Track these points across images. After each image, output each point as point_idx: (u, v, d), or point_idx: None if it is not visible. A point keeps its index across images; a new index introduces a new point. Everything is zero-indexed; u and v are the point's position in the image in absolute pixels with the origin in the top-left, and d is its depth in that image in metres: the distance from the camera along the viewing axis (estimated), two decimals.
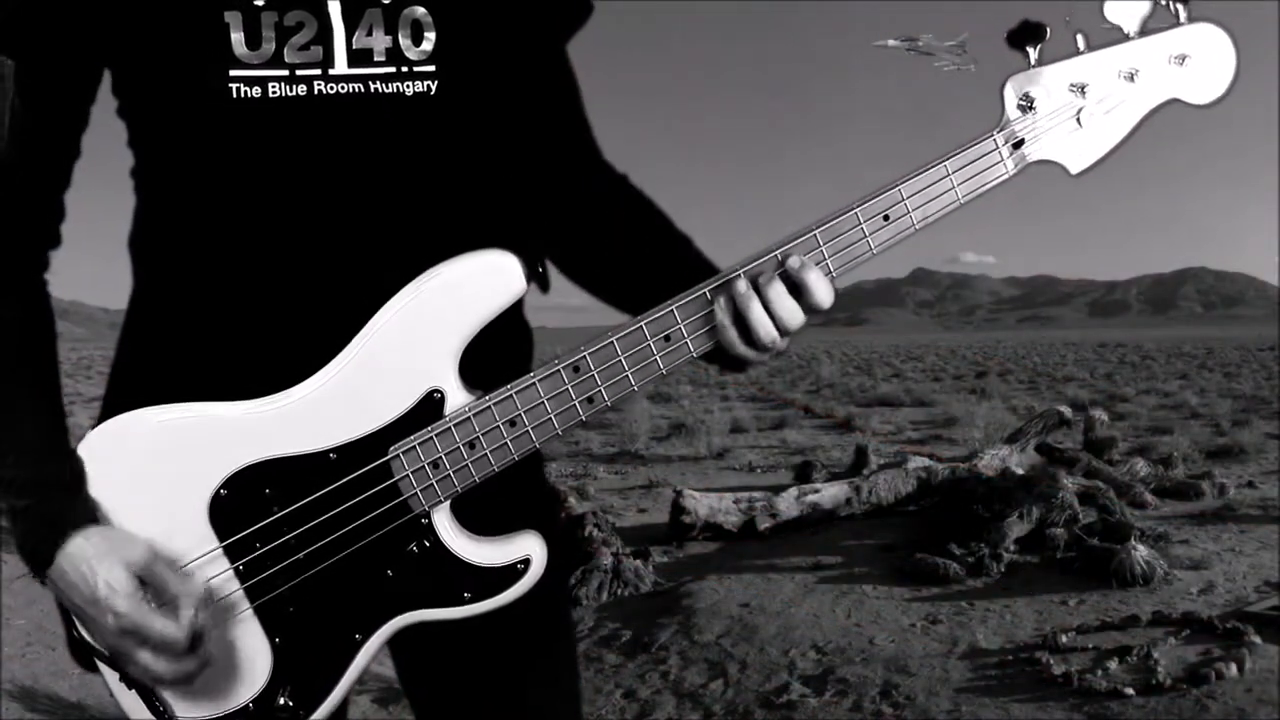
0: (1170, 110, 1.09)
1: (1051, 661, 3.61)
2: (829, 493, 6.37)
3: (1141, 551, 4.66)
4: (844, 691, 3.56)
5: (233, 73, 1.04)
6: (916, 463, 6.68)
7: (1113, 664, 3.56)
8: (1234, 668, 3.42)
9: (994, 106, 1.08)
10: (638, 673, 3.95)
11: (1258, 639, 3.69)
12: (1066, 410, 7.85)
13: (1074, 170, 1.08)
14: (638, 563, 5.18)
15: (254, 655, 1.10)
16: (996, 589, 4.66)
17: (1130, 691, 3.31)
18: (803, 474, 7.92)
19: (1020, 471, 6.30)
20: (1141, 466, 7.20)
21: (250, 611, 1.10)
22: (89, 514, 1.06)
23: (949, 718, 3.30)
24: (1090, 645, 3.78)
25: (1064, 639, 3.83)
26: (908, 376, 26.05)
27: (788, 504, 6.18)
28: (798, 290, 1.06)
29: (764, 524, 6.05)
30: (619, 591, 4.96)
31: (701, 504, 6.10)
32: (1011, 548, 5.08)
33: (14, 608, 4.79)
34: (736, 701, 3.60)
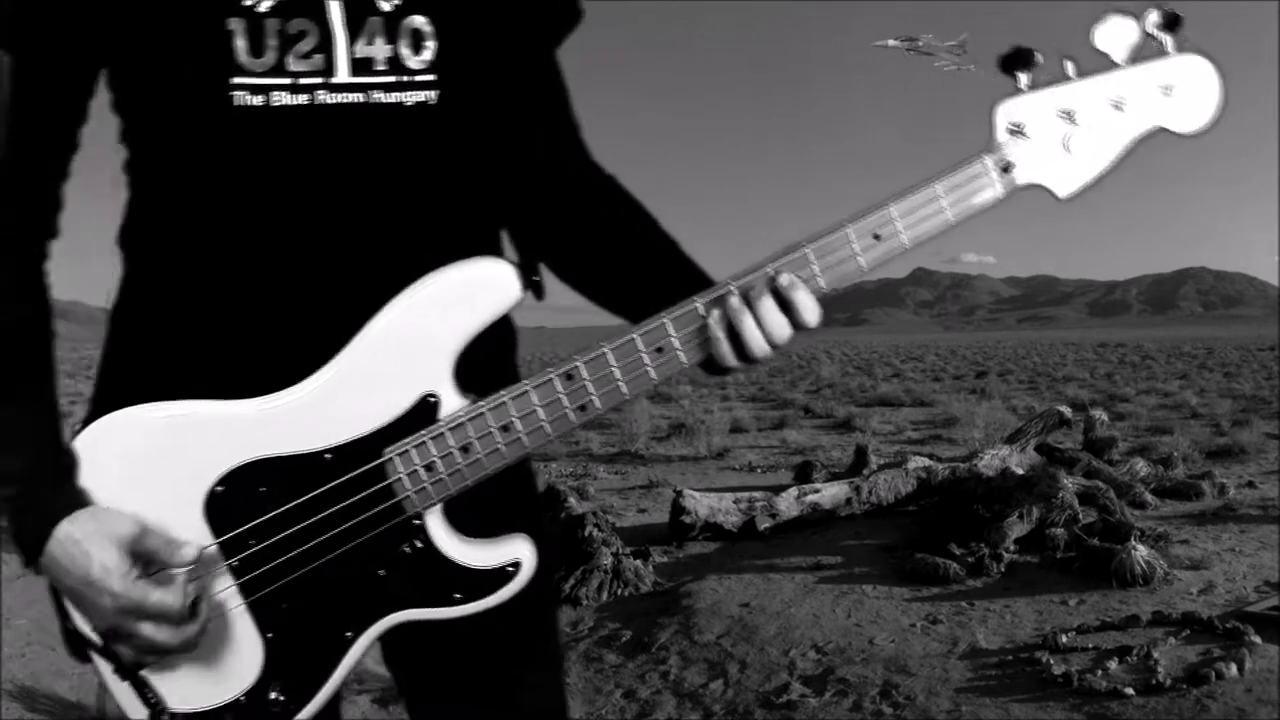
0: None
1: (1051, 661, 3.61)
2: (829, 493, 6.37)
3: (1141, 551, 4.66)
4: (844, 691, 3.56)
5: (235, 80, 1.04)
6: (916, 463, 6.68)
7: (1113, 664, 3.56)
8: (1234, 668, 3.42)
9: (990, 107, 1.08)
10: (638, 673, 3.94)
11: (1258, 639, 3.70)
12: (1066, 410, 7.84)
13: (1061, 195, 1.10)
14: (638, 563, 5.18)
15: (246, 650, 1.10)
16: (996, 589, 4.66)
17: (1130, 691, 3.31)
18: (803, 474, 7.91)
19: (1020, 471, 6.29)
20: (1141, 466, 7.20)
21: (244, 607, 1.10)
22: (77, 500, 1.06)
23: (949, 718, 3.30)
24: (1090, 645, 3.78)
25: (1064, 639, 3.83)
26: (908, 376, 26.06)
27: (788, 504, 6.18)
28: (786, 307, 1.08)
29: (764, 524, 6.04)
30: (619, 591, 4.96)
31: (701, 504, 6.09)
32: (1011, 548, 5.08)
33: (14, 608, 4.79)
34: (736, 701, 3.59)
